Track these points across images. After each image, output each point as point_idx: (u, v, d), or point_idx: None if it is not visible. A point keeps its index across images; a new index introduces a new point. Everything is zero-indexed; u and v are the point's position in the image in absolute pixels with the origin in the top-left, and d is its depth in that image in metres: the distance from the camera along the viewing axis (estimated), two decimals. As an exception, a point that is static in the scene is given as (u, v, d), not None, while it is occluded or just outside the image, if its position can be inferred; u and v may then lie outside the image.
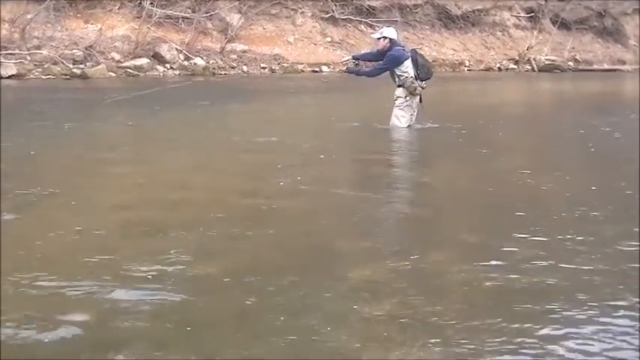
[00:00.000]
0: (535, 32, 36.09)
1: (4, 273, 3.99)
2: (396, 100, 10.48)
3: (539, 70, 33.46)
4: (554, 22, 37.50)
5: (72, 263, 4.29)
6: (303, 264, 4.37)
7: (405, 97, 10.38)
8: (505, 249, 4.65)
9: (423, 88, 10.41)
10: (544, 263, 4.35)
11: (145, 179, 7.09)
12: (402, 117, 10.45)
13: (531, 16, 37.52)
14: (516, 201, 6.19)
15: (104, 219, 5.39)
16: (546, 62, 34.21)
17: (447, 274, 4.17)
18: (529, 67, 34.02)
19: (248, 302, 3.70)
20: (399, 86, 10.40)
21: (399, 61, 10.25)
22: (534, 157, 9.05)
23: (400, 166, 8.38)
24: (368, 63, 11.31)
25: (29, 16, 23.02)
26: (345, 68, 11.28)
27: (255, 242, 4.83)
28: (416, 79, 10.28)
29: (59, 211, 5.63)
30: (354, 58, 11.19)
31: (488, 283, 4.00)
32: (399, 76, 10.31)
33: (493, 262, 4.34)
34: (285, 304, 3.67)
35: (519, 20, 37.58)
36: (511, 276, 4.11)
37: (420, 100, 10.55)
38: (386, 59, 10.33)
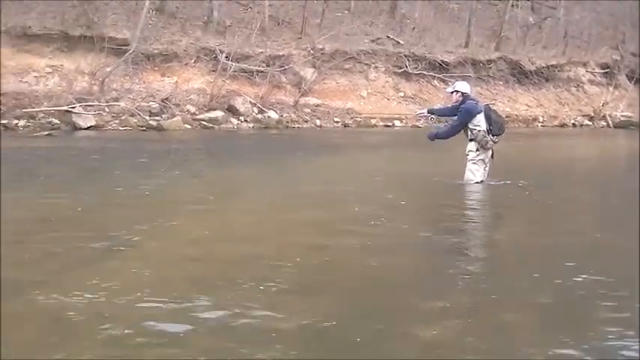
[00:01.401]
0: (611, 88, 35.73)
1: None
2: (468, 154, 10.43)
3: (615, 127, 33.01)
4: (630, 78, 37.08)
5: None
6: (373, 320, 4.32)
7: (476, 150, 10.32)
8: (578, 311, 4.56)
9: (495, 142, 10.35)
10: (620, 328, 4.23)
11: (222, 227, 7.23)
12: (476, 171, 10.37)
13: (607, 72, 37.19)
14: (589, 262, 6.05)
15: (178, 268, 5.49)
16: (622, 118, 33.77)
17: (518, 335, 4.09)
18: (604, 124, 33.61)
19: (318, 358, 3.69)
20: (470, 140, 10.36)
21: (471, 115, 10.22)
22: (606, 215, 8.86)
23: (473, 221, 8.28)
24: (441, 118, 11.35)
25: (108, 69, 23.76)
26: (423, 127, 11.35)
27: (327, 296, 4.83)
28: (488, 134, 10.24)
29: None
30: (429, 112, 11.20)
31: (558, 346, 3.91)
32: (471, 130, 10.28)
33: (565, 324, 4.25)
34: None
35: (594, 76, 37.28)
36: (586, 343, 4.02)
37: (492, 156, 10.48)
38: (459, 114, 10.31)
